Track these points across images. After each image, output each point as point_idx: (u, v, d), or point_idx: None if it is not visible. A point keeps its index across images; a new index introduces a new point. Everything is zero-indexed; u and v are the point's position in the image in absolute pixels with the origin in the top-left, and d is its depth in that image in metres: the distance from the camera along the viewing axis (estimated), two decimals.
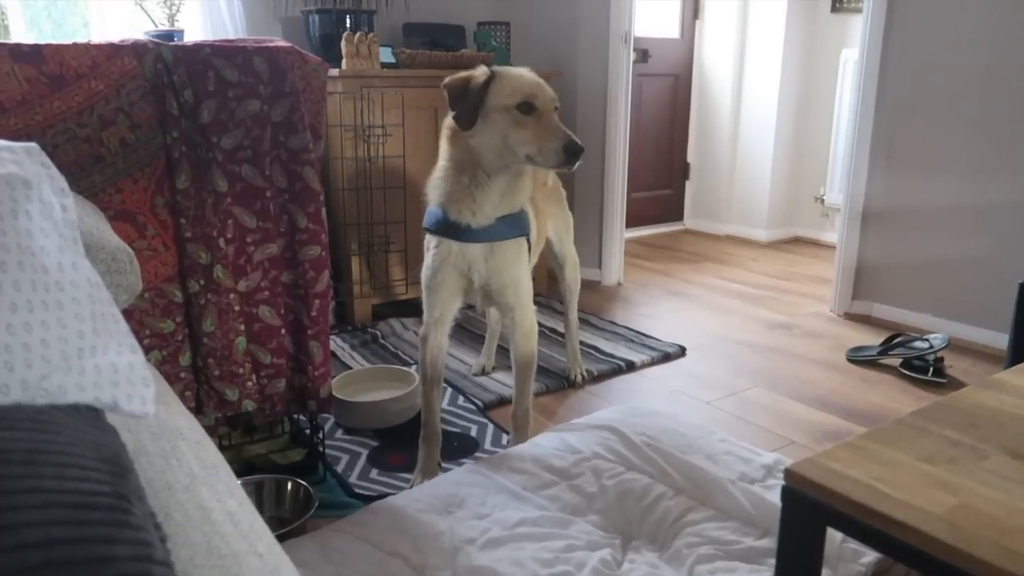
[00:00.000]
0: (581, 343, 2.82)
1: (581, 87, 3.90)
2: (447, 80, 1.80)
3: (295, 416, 2.08)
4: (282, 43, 1.78)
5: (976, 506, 0.99)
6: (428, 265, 1.93)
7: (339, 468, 2.06)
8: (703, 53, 5.15)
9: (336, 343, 2.98)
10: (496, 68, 1.80)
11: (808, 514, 1.08)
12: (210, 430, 1.86)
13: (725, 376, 2.77)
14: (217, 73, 1.68)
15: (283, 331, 1.86)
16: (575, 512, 1.70)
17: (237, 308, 1.76)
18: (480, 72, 1.78)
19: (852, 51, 4.24)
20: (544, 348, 2.97)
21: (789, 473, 1.08)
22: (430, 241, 1.93)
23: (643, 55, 4.83)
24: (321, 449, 2.01)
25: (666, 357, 2.92)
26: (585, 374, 2.70)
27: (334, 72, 2.94)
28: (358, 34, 3.03)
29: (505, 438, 2.24)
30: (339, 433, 2.26)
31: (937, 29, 3.04)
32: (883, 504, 0.99)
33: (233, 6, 3.21)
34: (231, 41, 1.77)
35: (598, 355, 2.89)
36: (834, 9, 4.70)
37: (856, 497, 1.01)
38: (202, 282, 1.71)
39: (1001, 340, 2.81)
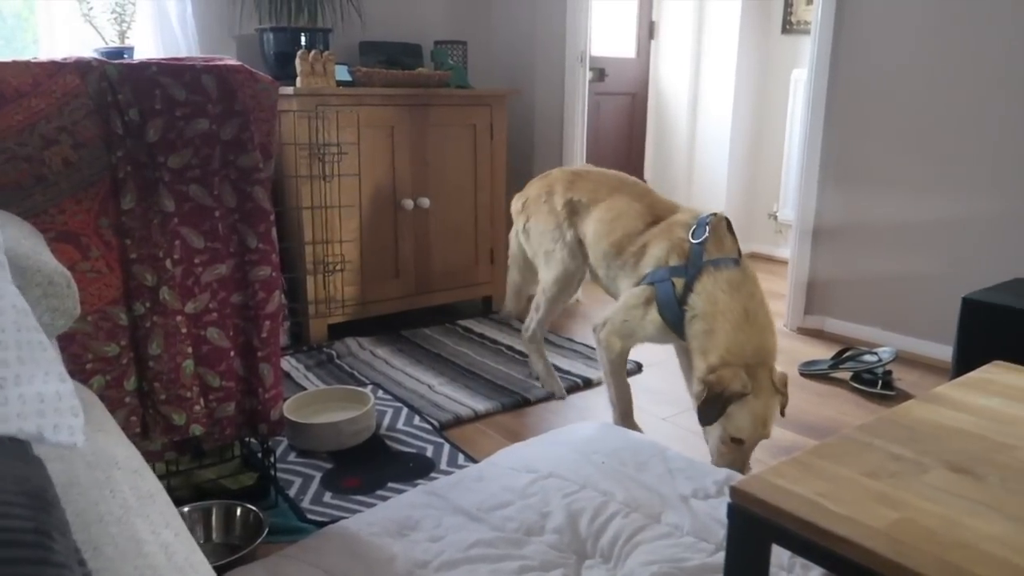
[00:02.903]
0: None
1: (539, 105, 3.93)
2: (714, 385, 1.97)
3: (247, 439, 2.05)
4: (232, 62, 1.76)
5: (917, 520, 1.01)
6: (641, 316, 2.23)
7: (292, 492, 2.03)
8: (659, 72, 5.23)
9: (290, 363, 2.94)
10: (751, 392, 1.95)
11: (753, 531, 1.09)
12: (157, 455, 1.82)
13: (681, 392, 2.79)
14: (164, 91, 1.65)
15: (232, 353, 1.82)
16: (530, 532, 1.69)
17: (184, 330, 1.73)
18: (739, 387, 1.95)
19: (802, 71, 4.34)
20: (501, 366, 2.97)
21: (734, 490, 1.09)
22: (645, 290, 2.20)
23: (600, 74, 4.89)
24: (273, 473, 1.98)
25: None
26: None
27: (289, 90, 2.92)
28: (313, 52, 3.01)
29: (460, 459, 2.22)
30: (292, 456, 2.23)
31: (883, 50, 3.13)
32: (826, 520, 1.00)
33: (186, 24, 3.17)
34: (179, 59, 1.75)
35: (556, 372, 2.89)
36: (784, 30, 4.82)
37: (800, 513, 1.02)
38: (148, 304, 1.68)
39: (947, 353, 2.88)
